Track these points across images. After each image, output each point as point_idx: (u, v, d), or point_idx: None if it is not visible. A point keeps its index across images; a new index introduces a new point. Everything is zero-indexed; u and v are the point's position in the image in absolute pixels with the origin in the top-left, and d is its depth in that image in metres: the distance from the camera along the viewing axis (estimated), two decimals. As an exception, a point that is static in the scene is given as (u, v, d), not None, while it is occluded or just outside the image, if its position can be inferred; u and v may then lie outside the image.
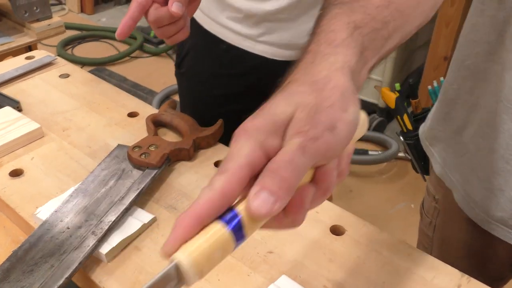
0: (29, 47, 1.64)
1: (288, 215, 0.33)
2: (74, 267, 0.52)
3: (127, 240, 0.58)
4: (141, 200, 0.64)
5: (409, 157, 1.90)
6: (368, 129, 2.27)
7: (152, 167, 0.67)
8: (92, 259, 0.56)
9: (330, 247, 0.59)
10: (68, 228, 0.58)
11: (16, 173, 0.68)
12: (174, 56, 1.59)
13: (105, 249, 0.56)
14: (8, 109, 0.77)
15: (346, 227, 0.61)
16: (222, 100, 0.84)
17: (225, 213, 0.31)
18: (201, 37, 0.97)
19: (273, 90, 0.36)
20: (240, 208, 0.31)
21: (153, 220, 0.61)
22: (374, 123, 2.26)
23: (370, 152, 2.16)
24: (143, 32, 3.05)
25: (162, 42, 3.07)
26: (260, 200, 0.30)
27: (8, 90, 0.86)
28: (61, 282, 0.51)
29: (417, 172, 0.87)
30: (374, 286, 0.54)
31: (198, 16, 0.96)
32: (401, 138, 0.85)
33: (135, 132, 0.77)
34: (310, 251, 0.58)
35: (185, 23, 0.68)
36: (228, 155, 0.32)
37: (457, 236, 0.77)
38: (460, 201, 0.72)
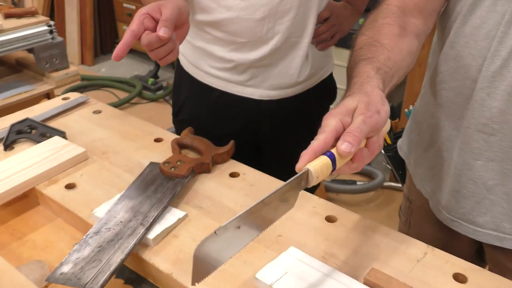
0: (47, 94, 1.82)
1: (354, 162, 0.59)
2: (130, 247, 0.68)
3: (167, 230, 0.74)
4: (175, 202, 0.80)
5: (393, 185, 2.06)
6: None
7: (181, 177, 0.83)
8: (140, 245, 0.72)
9: (326, 231, 0.75)
10: (121, 222, 0.73)
11: (70, 186, 0.85)
12: (171, 101, 1.67)
13: (152, 235, 0.72)
14: (57, 138, 0.94)
15: (337, 216, 0.78)
16: (219, 139, 0.95)
17: (326, 153, 0.57)
18: (195, 88, 1.12)
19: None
20: (333, 151, 0.57)
21: (185, 216, 0.78)
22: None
23: (358, 183, 2.34)
24: (141, 80, 3.27)
25: (159, 89, 3.28)
26: (344, 145, 0.55)
27: (52, 124, 1.03)
28: (123, 257, 0.66)
29: (396, 180, 1.04)
30: (360, 256, 0.70)
31: (191, 69, 1.12)
32: (382, 151, 1.03)
33: (162, 153, 0.94)
34: (310, 234, 0.74)
35: (174, 46, 0.80)
36: (322, 126, 0.58)
37: (428, 231, 0.93)
38: (433, 207, 0.89)
